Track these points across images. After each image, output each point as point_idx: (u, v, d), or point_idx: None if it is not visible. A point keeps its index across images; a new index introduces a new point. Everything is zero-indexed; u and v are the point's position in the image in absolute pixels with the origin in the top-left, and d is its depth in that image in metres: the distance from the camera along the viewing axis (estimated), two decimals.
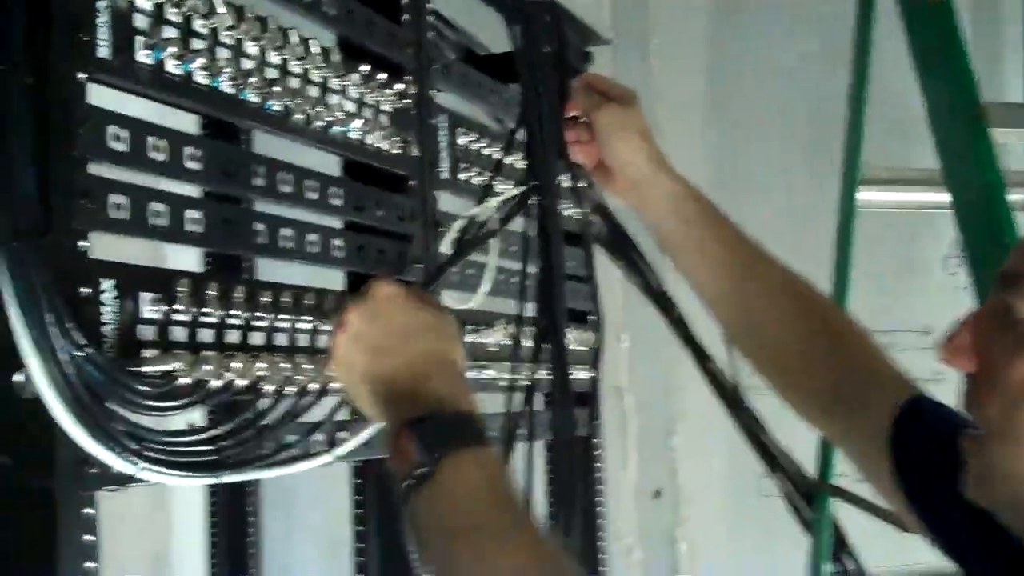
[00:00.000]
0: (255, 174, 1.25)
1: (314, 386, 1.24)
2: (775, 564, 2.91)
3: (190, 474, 1.07)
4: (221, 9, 1.16)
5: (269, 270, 1.47)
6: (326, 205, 1.38)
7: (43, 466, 0.96)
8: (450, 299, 1.64)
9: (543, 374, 1.49)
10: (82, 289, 0.99)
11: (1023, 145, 2.23)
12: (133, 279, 1.05)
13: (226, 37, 1.19)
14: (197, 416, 1.18)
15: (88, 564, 0.99)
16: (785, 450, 2.26)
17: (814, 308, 1.24)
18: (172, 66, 1.12)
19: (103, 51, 1.03)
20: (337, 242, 1.39)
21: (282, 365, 1.19)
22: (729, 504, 3.23)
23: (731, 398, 2.28)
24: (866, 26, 2.08)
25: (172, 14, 1.11)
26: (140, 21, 1.08)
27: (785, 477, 2.34)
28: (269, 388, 1.17)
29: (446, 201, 1.68)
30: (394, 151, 1.51)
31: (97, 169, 1.03)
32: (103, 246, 1.05)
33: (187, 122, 1.37)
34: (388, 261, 1.49)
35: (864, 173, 2.13)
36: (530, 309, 1.49)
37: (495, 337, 1.70)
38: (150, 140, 1.09)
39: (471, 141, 1.74)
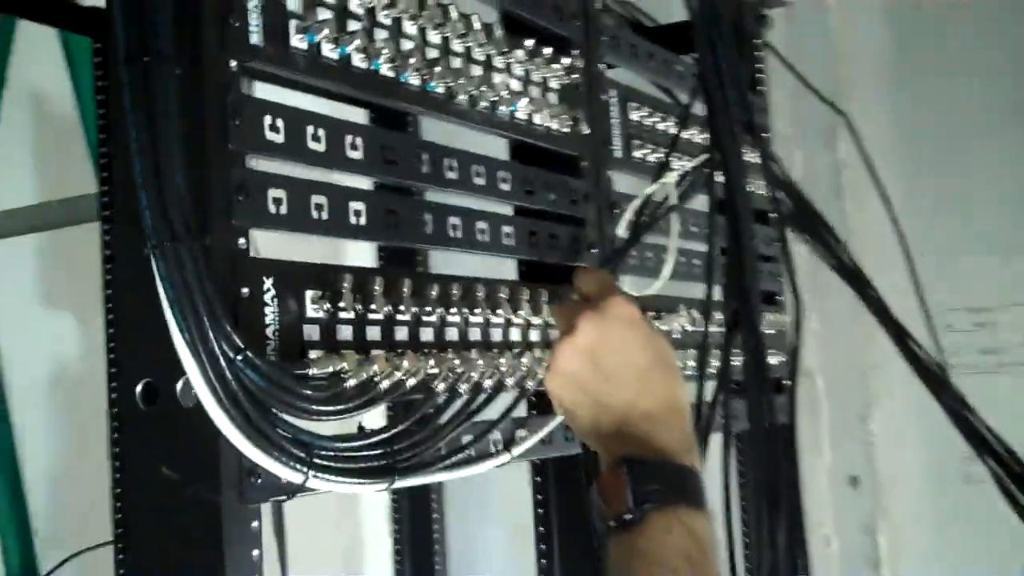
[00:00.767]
0: (419, 161, 1.18)
1: (488, 383, 1.17)
2: (986, 557, 2.71)
3: (362, 481, 1.01)
4: None
5: (440, 261, 1.40)
6: (495, 190, 1.30)
7: (208, 478, 0.91)
8: (629, 285, 1.54)
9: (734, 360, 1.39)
10: (243, 289, 0.94)
11: None
12: (295, 277, 0.99)
13: (383, 16, 1.12)
14: (373, 419, 1.11)
15: None
16: (996, 432, 2.09)
17: None
18: (328, 50, 1.06)
19: (255, 37, 0.98)
20: (507, 229, 1.31)
21: (455, 362, 1.12)
22: (932, 492, 3.02)
23: (934, 378, 2.12)
24: None
25: None
26: (292, 4, 1.02)
27: (996, 462, 2.17)
28: (441, 387, 1.10)
29: (620, 181, 1.59)
30: (564, 130, 1.42)
31: (256, 164, 0.97)
32: (278, 246, 1.01)
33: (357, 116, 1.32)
34: (561, 247, 1.41)
35: None
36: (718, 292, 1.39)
37: (678, 323, 1.60)
38: (309, 130, 1.03)
39: (644, 117, 1.64)
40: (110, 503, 1.27)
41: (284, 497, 0.95)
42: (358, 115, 1.40)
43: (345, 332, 1.03)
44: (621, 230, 1.50)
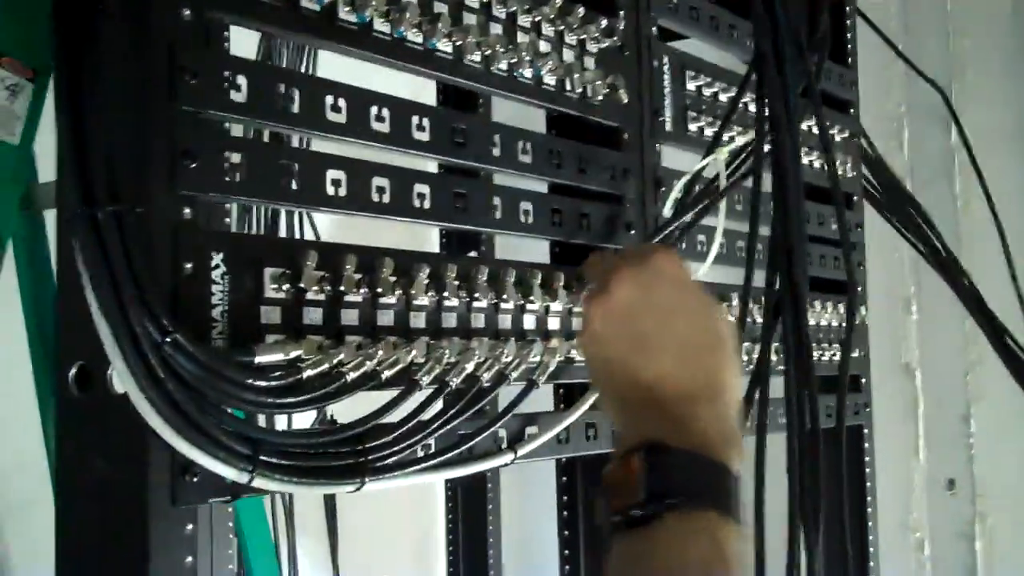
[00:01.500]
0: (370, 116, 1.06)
1: (487, 375, 1.05)
2: None
3: (323, 481, 0.90)
4: None
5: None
6: (514, 163, 1.18)
7: (136, 475, 0.82)
8: None
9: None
10: (186, 265, 0.84)
11: None
12: (251, 253, 0.89)
13: None
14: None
15: None
16: None
17: None
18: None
19: None
20: (525, 205, 1.19)
21: (444, 351, 1.01)
22: None
23: None
24: None
25: None
26: None
27: None
28: (427, 379, 0.99)
29: (673, 156, 1.45)
30: (606, 99, 1.29)
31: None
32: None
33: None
34: (593, 228, 1.28)
35: None
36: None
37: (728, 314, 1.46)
38: (280, 88, 0.93)
39: (702, 85, 1.49)
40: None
41: (226, 498, 0.86)
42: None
43: (313, 316, 0.93)
44: (667, 209, 1.37)
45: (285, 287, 0.90)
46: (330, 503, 2.23)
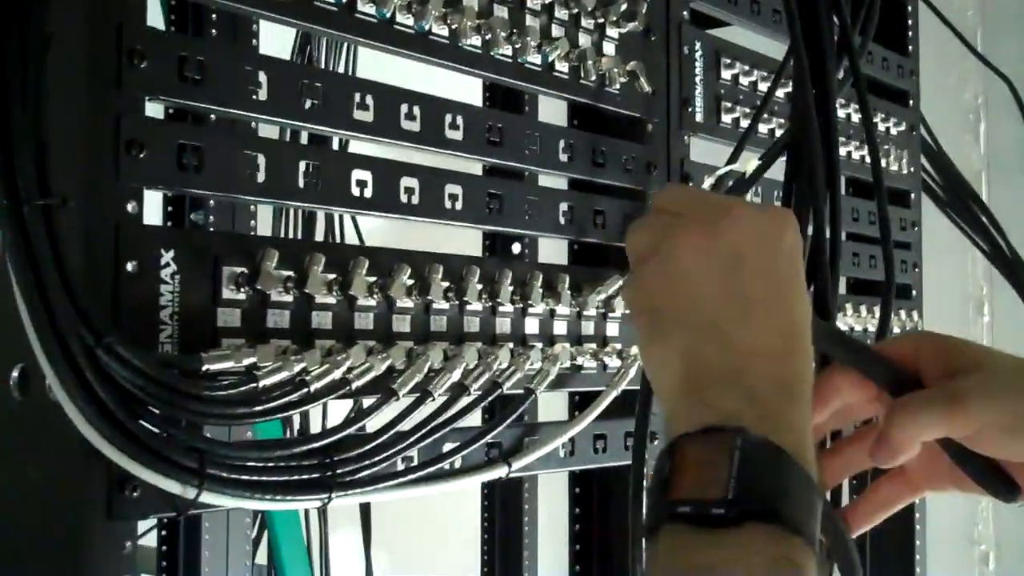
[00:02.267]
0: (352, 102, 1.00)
1: (476, 385, 0.98)
2: None
3: (281, 497, 0.84)
4: None
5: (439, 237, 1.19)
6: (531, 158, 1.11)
7: (71, 488, 0.76)
8: None
9: None
10: (129, 263, 0.78)
11: None
12: (207, 251, 0.83)
13: None
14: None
15: None
16: None
17: None
18: None
19: None
20: (532, 197, 1.12)
21: (429, 358, 0.94)
22: None
23: None
24: None
25: None
26: None
27: None
28: (404, 390, 0.92)
29: (703, 149, 1.36)
30: (627, 88, 1.21)
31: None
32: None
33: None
34: (608, 226, 1.20)
35: None
36: None
37: None
38: (261, 76, 0.86)
39: (739, 74, 1.40)
40: None
41: (172, 514, 0.80)
42: None
43: (278, 319, 0.87)
44: None
45: (245, 288, 0.84)
46: (364, 503, 2.18)
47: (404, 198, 0.98)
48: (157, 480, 0.76)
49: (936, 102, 1.79)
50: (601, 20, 1.18)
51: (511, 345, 1.04)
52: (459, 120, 1.03)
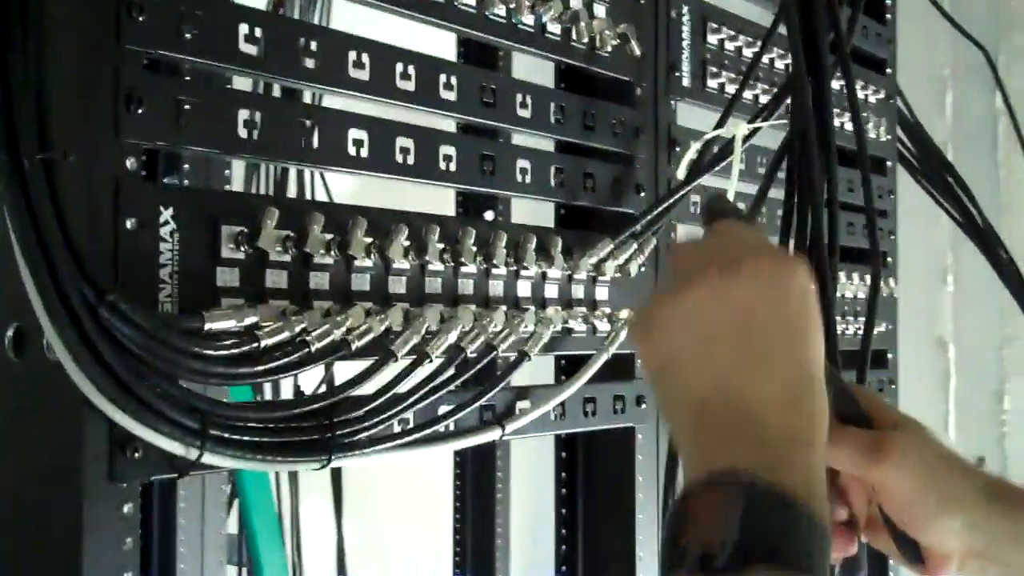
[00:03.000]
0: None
1: (473, 347, 0.98)
2: None
3: (281, 458, 0.83)
4: None
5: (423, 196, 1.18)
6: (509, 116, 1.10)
7: (71, 448, 0.75)
8: (685, 234, 1.32)
9: None
10: (128, 221, 0.76)
11: None
12: (206, 209, 0.81)
13: None
14: None
15: None
16: None
17: None
18: None
19: None
20: (523, 163, 1.11)
21: (426, 320, 0.93)
22: None
23: None
24: None
25: None
26: None
27: None
28: (402, 351, 0.91)
29: (690, 114, 1.36)
30: (616, 51, 1.20)
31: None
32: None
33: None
34: (598, 189, 1.19)
35: None
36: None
37: None
38: (242, 28, 0.84)
39: (725, 39, 1.40)
40: None
41: (173, 475, 0.79)
42: None
43: (276, 279, 0.86)
44: (681, 171, 1.28)
45: (244, 247, 0.83)
46: (335, 469, 2.17)
47: (400, 158, 0.97)
48: (159, 441, 0.75)
49: (904, 71, 1.79)
50: None
51: (505, 308, 1.03)
52: (453, 80, 1.02)
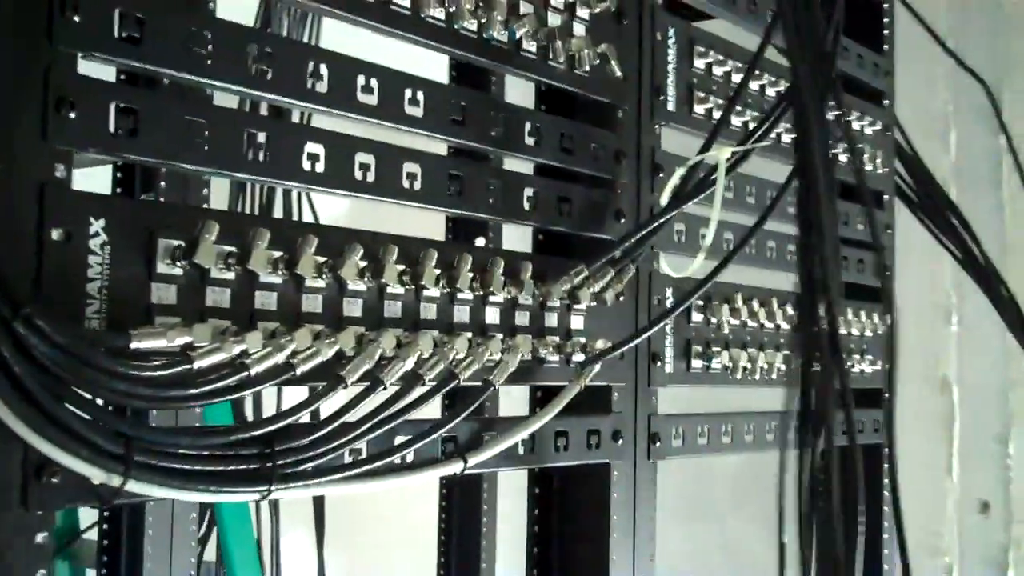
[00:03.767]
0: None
1: (431, 374, 0.92)
2: None
3: (214, 488, 0.78)
4: None
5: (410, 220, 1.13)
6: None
7: None
8: (669, 265, 1.27)
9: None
10: (54, 232, 0.72)
11: None
12: (141, 221, 0.77)
13: None
14: None
15: None
16: None
17: None
18: None
19: None
20: (494, 183, 1.06)
21: (380, 345, 0.88)
22: None
23: None
24: None
25: None
26: None
27: None
28: (353, 377, 0.86)
29: (676, 140, 1.32)
30: (598, 73, 1.16)
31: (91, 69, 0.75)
32: None
33: None
34: (577, 214, 1.15)
35: None
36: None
37: (726, 317, 1.32)
38: (206, 35, 0.80)
39: (713, 63, 1.35)
40: None
41: (93, 503, 0.74)
42: None
43: (218, 297, 0.81)
44: (664, 197, 1.23)
45: (181, 262, 0.78)
46: (317, 498, 2.11)
47: (359, 175, 0.92)
48: (78, 466, 0.70)
49: (906, 108, 1.75)
50: (574, 1, 1.13)
51: (469, 335, 0.98)
52: (419, 96, 0.98)
